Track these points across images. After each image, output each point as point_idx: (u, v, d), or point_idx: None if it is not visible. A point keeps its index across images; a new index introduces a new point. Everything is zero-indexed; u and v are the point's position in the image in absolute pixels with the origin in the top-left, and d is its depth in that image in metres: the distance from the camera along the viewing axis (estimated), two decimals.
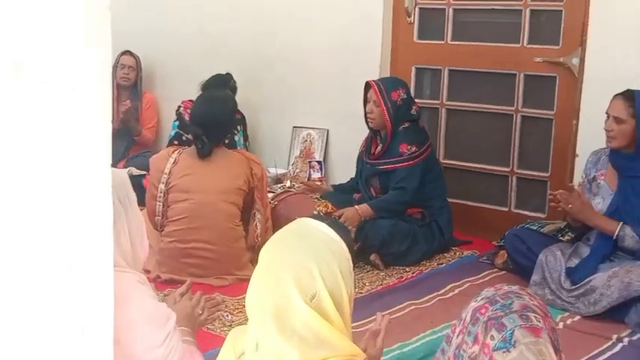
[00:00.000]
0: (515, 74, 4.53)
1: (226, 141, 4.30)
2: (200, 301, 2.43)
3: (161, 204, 3.88)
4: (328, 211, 4.21)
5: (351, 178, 4.65)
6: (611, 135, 3.57)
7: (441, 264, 4.24)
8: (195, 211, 3.82)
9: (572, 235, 3.90)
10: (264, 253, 1.75)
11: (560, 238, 3.97)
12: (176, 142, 4.96)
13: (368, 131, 4.45)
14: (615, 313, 3.42)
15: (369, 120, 4.31)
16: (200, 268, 3.82)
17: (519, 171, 4.62)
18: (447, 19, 4.76)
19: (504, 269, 4.07)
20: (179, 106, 5.23)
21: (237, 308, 3.49)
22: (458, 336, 1.74)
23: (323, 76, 5.16)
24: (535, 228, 4.10)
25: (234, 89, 5.07)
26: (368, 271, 4.09)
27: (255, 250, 3.84)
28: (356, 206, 4.21)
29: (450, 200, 4.46)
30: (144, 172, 4.83)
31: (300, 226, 1.79)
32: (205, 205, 3.82)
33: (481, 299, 1.74)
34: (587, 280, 3.51)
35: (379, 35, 4.89)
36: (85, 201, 1.24)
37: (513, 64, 4.52)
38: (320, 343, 1.62)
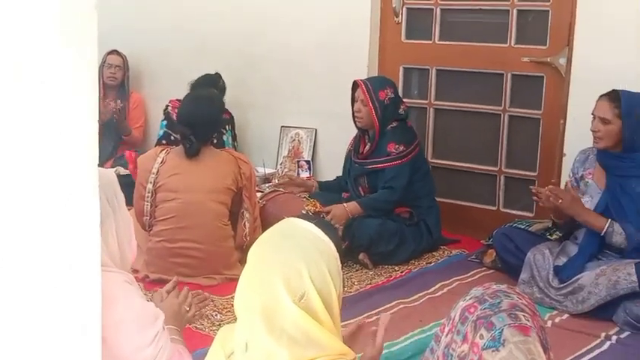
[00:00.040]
0: (502, 74, 4.54)
1: (214, 141, 4.29)
2: (187, 298, 2.42)
3: (149, 204, 3.87)
4: (317, 210, 4.21)
5: (338, 177, 4.65)
6: (598, 136, 3.58)
7: (430, 263, 4.25)
8: (183, 211, 3.82)
9: (560, 234, 3.91)
10: (253, 253, 1.75)
11: (548, 236, 3.98)
12: (164, 142, 4.95)
13: (356, 131, 4.45)
14: (603, 312, 3.43)
15: (356, 119, 4.31)
16: (188, 267, 3.81)
17: (507, 170, 4.64)
18: (435, 19, 4.77)
19: (493, 268, 4.08)
20: (167, 106, 5.22)
21: (226, 307, 3.49)
22: (447, 335, 1.75)
23: (311, 75, 5.16)
24: (523, 227, 4.11)
25: (223, 89, 5.06)
26: (357, 270, 4.10)
27: (243, 249, 3.83)
28: (344, 204, 4.21)
29: (438, 199, 4.47)
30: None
31: (288, 225, 1.79)
32: (193, 205, 3.82)
33: (470, 298, 1.74)
34: (575, 278, 3.52)
35: (367, 35, 4.89)
36: (72, 201, 1.24)
37: (501, 64, 4.54)
38: (309, 342, 1.62)
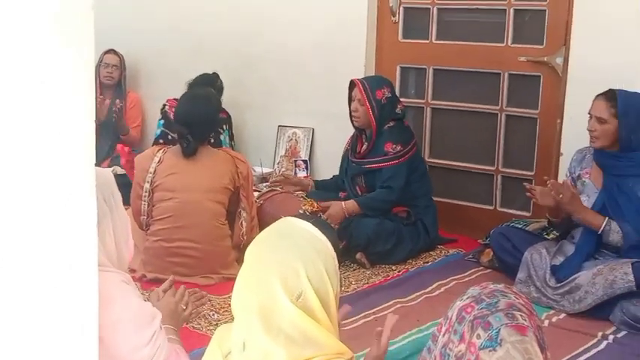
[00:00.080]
0: (499, 73, 4.54)
1: (212, 140, 4.29)
2: (184, 296, 2.42)
3: (146, 203, 3.87)
4: (314, 209, 4.21)
5: (334, 176, 4.66)
6: (595, 135, 3.58)
7: (427, 262, 4.25)
8: (180, 210, 3.81)
9: (557, 234, 3.91)
10: (250, 253, 1.75)
11: (545, 236, 3.98)
12: (161, 141, 4.95)
13: (353, 130, 4.45)
14: (600, 311, 3.44)
15: (353, 119, 4.32)
16: (186, 267, 3.81)
17: (504, 170, 4.64)
18: (432, 18, 4.77)
19: (490, 267, 4.09)
20: (164, 105, 5.21)
21: (223, 307, 3.49)
22: (444, 335, 1.75)
23: (308, 75, 5.16)
24: (520, 226, 4.12)
25: (220, 89, 5.06)
26: (354, 270, 4.10)
27: (240, 248, 3.83)
28: (342, 202, 4.21)
29: (435, 199, 4.47)
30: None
31: (285, 225, 1.79)
32: (190, 204, 3.81)
33: (467, 298, 1.74)
34: (572, 277, 3.53)
35: (364, 34, 4.89)
36: (69, 200, 1.23)
37: (498, 63, 4.54)
38: (307, 341, 1.62)
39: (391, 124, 4.28)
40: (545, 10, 4.33)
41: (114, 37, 5.56)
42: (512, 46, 4.49)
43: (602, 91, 3.60)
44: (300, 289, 1.64)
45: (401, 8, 4.87)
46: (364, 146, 4.36)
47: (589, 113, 3.61)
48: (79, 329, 1.29)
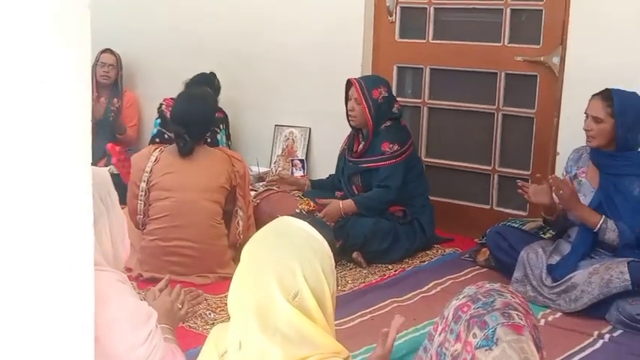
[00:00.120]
0: (496, 73, 4.55)
1: (208, 139, 4.28)
2: (180, 295, 2.42)
3: (142, 202, 3.86)
4: (310, 209, 4.21)
5: (330, 175, 4.66)
6: (591, 134, 3.59)
7: (424, 261, 4.25)
8: (176, 210, 3.81)
9: (554, 233, 3.92)
10: (246, 252, 1.75)
11: (542, 235, 3.99)
12: (158, 141, 4.94)
13: (350, 129, 4.45)
14: (596, 310, 3.44)
15: (350, 118, 4.32)
16: (182, 266, 3.81)
17: (501, 169, 4.64)
18: (429, 18, 4.77)
19: (486, 266, 4.09)
20: (161, 104, 5.21)
21: (220, 306, 3.49)
22: (440, 334, 1.75)
23: (305, 74, 5.15)
24: (517, 225, 4.12)
25: (218, 88, 5.06)
26: (350, 269, 4.10)
27: (237, 248, 3.83)
28: (340, 201, 4.21)
29: (432, 198, 4.48)
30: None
31: (281, 224, 1.79)
32: (187, 203, 3.81)
33: (463, 297, 1.74)
34: (568, 277, 3.53)
35: (361, 34, 4.89)
36: (65, 200, 1.23)
37: (494, 63, 4.54)
38: (303, 340, 1.62)
39: (388, 123, 4.28)
40: (541, 10, 4.34)
41: (110, 36, 5.55)
42: (509, 45, 4.49)
43: (598, 91, 3.61)
44: (297, 289, 1.64)
45: (398, 8, 4.87)
46: (361, 146, 4.36)
47: (585, 113, 3.62)
48: (75, 328, 1.29)
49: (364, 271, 4.08)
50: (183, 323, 2.75)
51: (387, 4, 4.86)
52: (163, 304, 2.34)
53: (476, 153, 4.74)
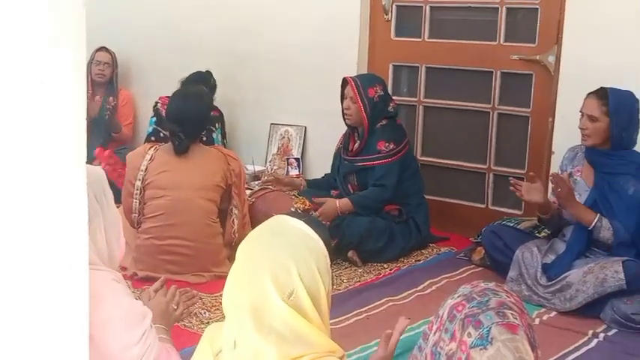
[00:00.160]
0: (491, 72, 4.55)
1: (204, 138, 4.28)
2: (175, 296, 2.42)
3: (137, 201, 3.86)
4: (306, 208, 4.21)
5: (326, 174, 4.65)
6: (586, 133, 3.60)
7: (419, 260, 4.25)
8: (171, 208, 3.81)
9: (549, 232, 3.92)
10: (241, 251, 1.75)
11: (537, 234, 3.99)
12: (153, 139, 4.93)
13: (345, 128, 4.45)
14: (591, 309, 3.45)
15: (346, 116, 4.32)
16: (177, 265, 3.81)
17: (496, 168, 4.65)
18: (424, 16, 4.77)
19: (481, 265, 4.10)
20: (156, 102, 5.19)
21: (215, 305, 3.48)
22: (435, 333, 1.75)
23: (300, 73, 5.15)
24: (512, 224, 4.12)
25: (214, 87, 5.06)
26: (346, 268, 4.10)
27: (232, 246, 3.83)
28: (337, 200, 4.21)
29: (427, 197, 4.48)
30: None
31: (277, 223, 1.79)
32: (182, 202, 3.81)
33: (458, 296, 1.74)
34: (563, 276, 3.54)
35: (357, 32, 4.89)
36: (59, 198, 1.23)
37: (490, 61, 4.54)
38: (298, 339, 1.62)
39: (383, 122, 4.28)
40: (537, 9, 4.34)
41: (106, 34, 5.54)
42: (505, 44, 4.49)
43: (593, 90, 3.61)
44: (292, 287, 1.63)
45: (393, 6, 4.87)
46: (356, 144, 4.36)
47: (580, 111, 3.62)
48: (69, 327, 1.29)
49: (359, 270, 4.08)
50: (177, 323, 2.74)
51: (383, 3, 4.86)
52: (159, 304, 2.34)
53: (471, 152, 4.75)
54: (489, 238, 3.97)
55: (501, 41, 4.50)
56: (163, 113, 4.82)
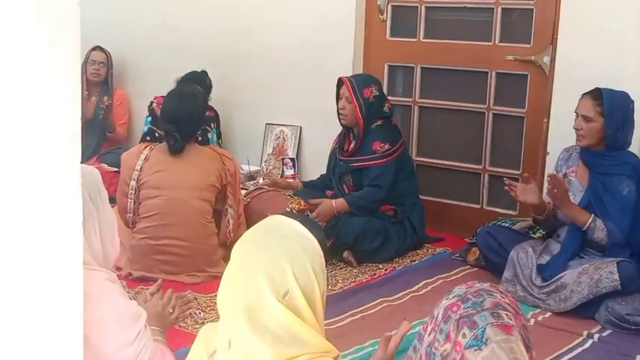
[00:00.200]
0: (487, 72, 4.55)
1: (199, 138, 4.27)
2: (171, 300, 2.42)
3: (132, 201, 3.85)
4: (301, 208, 4.20)
5: (322, 175, 4.65)
6: (581, 134, 3.60)
7: (414, 261, 4.25)
8: (166, 208, 3.80)
9: (543, 232, 3.93)
10: (237, 251, 1.75)
11: (532, 235, 4.00)
12: (149, 139, 4.92)
13: (341, 128, 4.45)
14: (585, 310, 3.45)
15: (341, 116, 4.31)
16: (172, 265, 3.80)
17: (491, 168, 4.65)
18: (420, 16, 4.77)
19: (476, 266, 4.10)
20: (152, 102, 5.19)
21: (210, 306, 3.48)
22: (430, 334, 1.75)
23: (296, 72, 5.15)
24: (507, 225, 4.13)
25: (209, 87, 5.05)
26: (341, 268, 4.10)
27: (227, 246, 3.82)
28: (333, 200, 4.21)
29: (422, 197, 4.48)
30: (115, 169, 4.79)
31: (272, 223, 1.79)
32: (177, 202, 3.80)
33: (453, 297, 1.74)
34: (558, 276, 3.54)
35: (352, 32, 4.89)
36: (54, 198, 1.23)
37: (485, 62, 4.55)
38: (293, 339, 1.62)
39: (379, 122, 4.28)
40: (532, 9, 4.35)
41: (101, 33, 5.54)
42: (500, 44, 4.50)
43: (588, 90, 3.62)
44: (287, 287, 1.63)
45: (389, 6, 4.87)
46: (352, 145, 4.36)
47: (575, 112, 3.63)
48: (63, 327, 1.28)
49: (355, 271, 4.08)
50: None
51: (378, 3, 4.86)
52: (155, 307, 2.34)
53: (466, 152, 4.75)
54: (484, 238, 3.97)
55: (496, 42, 4.50)
56: (158, 113, 4.82)
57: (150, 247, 3.80)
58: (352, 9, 4.87)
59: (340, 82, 4.31)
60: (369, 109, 4.23)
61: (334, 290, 3.75)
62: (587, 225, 3.54)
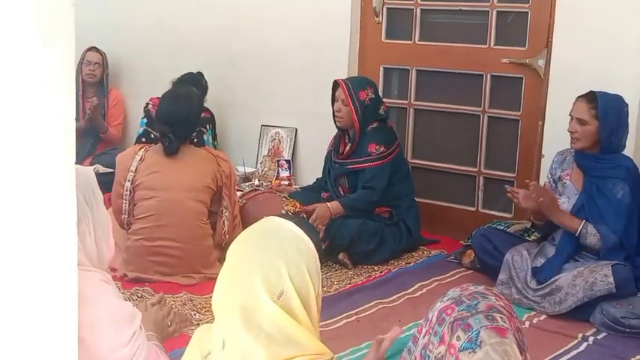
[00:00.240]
0: (482, 75, 4.56)
1: (195, 140, 4.27)
2: (170, 314, 2.43)
3: (127, 202, 3.84)
4: (296, 210, 4.20)
5: (317, 179, 4.65)
6: (575, 136, 3.61)
7: (409, 263, 4.25)
8: (161, 209, 3.79)
9: (538, 235, 3.93)
10: (232, 252, 1.74)
11: (527, 237, 4.00)
12: (144, 140, 4.92)
13: (336, 130, 4.45)
14: (580, 313, 3.46)
15: (337, 119, 4.31)
16: (167, 266, 3.79)
17: (486, 171, 4.65)
18: (415, 19, 4.78)
19: (472, 268, 4.10)
20: (147, 104, 5.18)
21: (205, 307, 3.47)
22: (424, 336, 1.75)
23: (291, 74, 5.15)
24: (502, 228, 4.13)
25: (205, 88, 5.05)
26: (336, 270, 4.10)
27: (222, 248, 3.82)
28: (327, 203, 4.21)
29: (417, 200, 4.48)
30: (110, 170, 4.79)
31: (268, 224, 1.79)
32: (172, 203, 3.80)
33: (447, 299, 1.75)
34: (553, 279, 3.55)
35: (347, 35, 4.89)
36: (48, 199, 1.22)
37: (480, 64, 4.55)
38: (287, 341, 1.62)
39: (374, 124, 4.29)
40: (527, 12, 4.35)
41: (96, 34, 5.53)
42: (495, 47, 4.50)
43: (583, 93, 3.62)
44: (282, 288, 1.63)
45: (384, 9, 4.88)
46: (347, 147, 4.36)
47: (570, 115, 3.63)
48: (58, 329, 1.28)
49: (350, 273, 4.08)
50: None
51: (374, 5, 4.87)
52: (155, 314, 2.35)
53: (461, 155, 4.76)
54: (479, 241, 3.97)
55: (492, 44, 4.51)
56: (154, 114, 4.82)
57: (145, 249, 3.80)
58: (348, 11, 4.87)
59: (336, 85, 4.31)
60: (365, 112, 4.23)
61: (329, 292, 3.74)
62: (578, 231, 3.55)
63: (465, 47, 4.64)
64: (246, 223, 3.79)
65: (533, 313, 3.56)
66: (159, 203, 3.80)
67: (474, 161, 4.67)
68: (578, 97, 3.62)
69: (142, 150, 3.92)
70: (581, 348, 3.23)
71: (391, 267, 4.18)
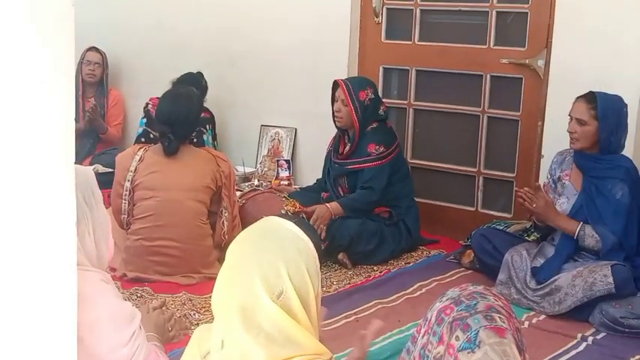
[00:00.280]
0: (481, 75, 4.56)
1: (194, 140, 4.27)
2: (171, 319, 2.44)
3: (127, 202, 3.85)
4: (296, 210, 4.20)
5: (317, 180, 4.65)
6: (575, 137, 3.61)
7: (409, 263, 4.26)
8: (161, 209, 3.80)
9: (538, 235, 3.94)
10: (231, 251, 1.74)
11: (526, 237, 4.00)
12: (144, 140, 4.92)
13: (336, 130, 4.45)
14: (580, 313, 3.46)
15: (336, 119, 4.32)
16: (166, 266, 3.80)
17: (486, 171, 4.66)
18: (415, 19, 4.78)
19: (471, 268, 4.10)
20: (147, 104, 5.18)
21: (204, 307, 3.48)
22: (423, 336, 1.75)
23: (291, 74, 5.15)
24: (501, 228, 4.13)
25: (205, 88, 5.05)
26: (336, 270, 4.10)
27: (222, 248, 3.82)
28: (327, 204, 4.21)
29: (417, 200, 4.48)
30: (110, 170, 4.79)
31: (267, 224, 1.79)
32: (171, 203, 3.80)
33: (446, 299, 1.75)
34: (552, 279, 3.55)
35: (347, 35, 4.90)
36: (47, 199, 1.22)
37: (480, 65, 4.55)
38: (286, 341, 1.62)
39: (374, 125, 4.29)
40: (527, 13, 4.35)
41: (95, 34, 5.53)
42: (495, 48, 4.50)
43: (582, 94, 3.63)
44: (281, 288, 1.63)
45: (384, 9, 4.88)
46: (347, 147, 4.36)
47: (569, 115, 3.64)
48: (57, 329, 1.28)
49: (349, 273, 4.08)
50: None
51: (374, 5, 4.87)
52: (157, 318, 2.35)
53: (461, 155, 4.76)
54: (479, 241, 3.97)
55: (491, 45, 4.51)
56: (154, 114, 4.82)
57: (144, 249, 3.80)
58: (347, 11, 4.87)
59: (336, 85, 4.31)
60: (365, 112, 4.23)
61: (329, 292, 3.75)
62: (576, 234, 3.55)
63: (465, 47, 4.64)
64: (245, 223, 3.79)
65: (532, 313, 3.56)
66: (158, 203, 3.80)
67: (474, 161, 4.67)
68: (578, 98, 3.62)
69: (142, 150, 3.92)
70: (581, 348, 3.24)
71: (390, 267, 4.18)
